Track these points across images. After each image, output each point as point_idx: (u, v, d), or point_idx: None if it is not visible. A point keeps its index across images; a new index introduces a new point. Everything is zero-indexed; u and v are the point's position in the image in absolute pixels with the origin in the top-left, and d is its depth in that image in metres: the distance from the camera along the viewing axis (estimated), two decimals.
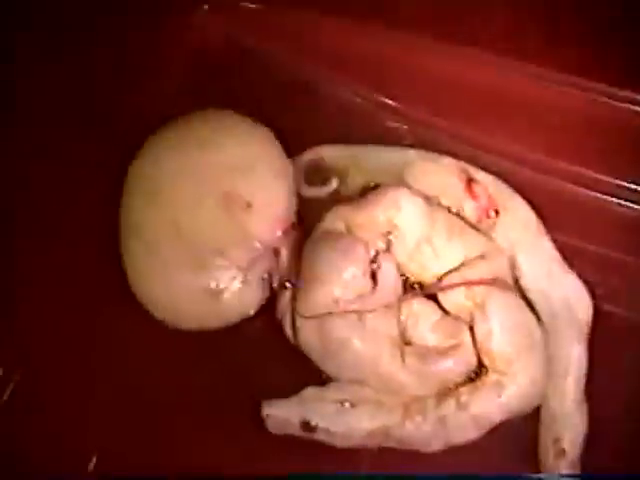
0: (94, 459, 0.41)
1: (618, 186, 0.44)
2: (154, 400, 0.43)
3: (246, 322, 0.43)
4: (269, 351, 0.42)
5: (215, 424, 0.42)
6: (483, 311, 0.39)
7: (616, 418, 0.41)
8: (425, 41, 0.47)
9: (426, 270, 0.41)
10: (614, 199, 0.44)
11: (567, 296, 0.41)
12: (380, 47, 0.47)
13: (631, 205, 0.44)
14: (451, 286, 0.40)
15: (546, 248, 0.42)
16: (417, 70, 0.47)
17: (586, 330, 0.41)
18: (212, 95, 0.47)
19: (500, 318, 0.39)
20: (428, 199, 0.42)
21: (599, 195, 0.44)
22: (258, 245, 0.43)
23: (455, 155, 0.44)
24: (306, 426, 0.39)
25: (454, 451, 0.39)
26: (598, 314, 0.41)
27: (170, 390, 0.43)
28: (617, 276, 0.43)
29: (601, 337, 0.41)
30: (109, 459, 0.42)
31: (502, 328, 0.39)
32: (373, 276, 0.41)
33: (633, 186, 0.44)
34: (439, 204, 0.42)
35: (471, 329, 0.40)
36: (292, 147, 0.45)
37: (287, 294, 0.42)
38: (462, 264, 0.41)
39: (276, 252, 0.43)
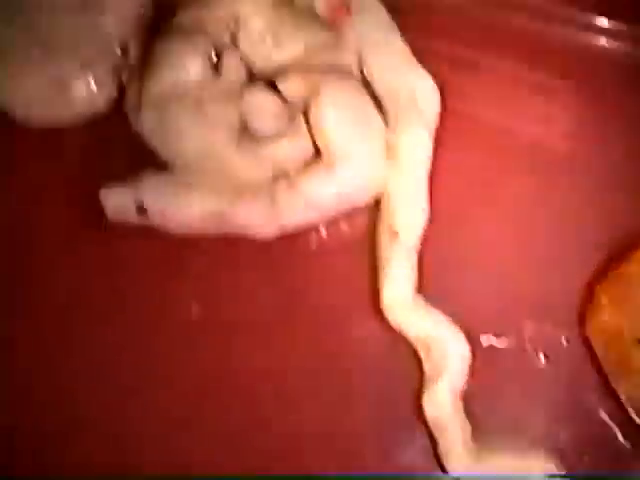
0: None
1: None
2: None
3: (98, 120, 0.43)
4: (114, 147, 0.42)
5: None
6: (317, 94, 0.39)
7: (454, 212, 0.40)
8: None
9: (270, 61, 0.41)
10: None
11: (413, 88, 0.41)
12: None
13: (485, 7, 0.44)
14: (289, 73, 0.40)
15: (396, 45, 0.42)
16: None
17: (432, 122, 0.40)
18: None
19: (333, 101, 0.38)
20: None
21: None
22: (108, 41, 0.42)
23: None
24: (141, 209, 0.39)
25: None
26: (447, 112, 0.41)
27: None
28: (469, 75, 0.43)
29: (450, 137, 0.41)
30: None
31: (335, 110, 0.38)
32: (217, 67, 0.40)
33: None
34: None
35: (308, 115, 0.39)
36: None
37: (134, 86, 0.42)
38: (305, 55, 0.40)
39: (126, 48, 0.42)
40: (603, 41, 0.43)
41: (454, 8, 0.44)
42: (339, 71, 0.40)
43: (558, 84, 0.43)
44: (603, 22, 0.43)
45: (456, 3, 0.44)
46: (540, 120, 0.42)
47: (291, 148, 0.39)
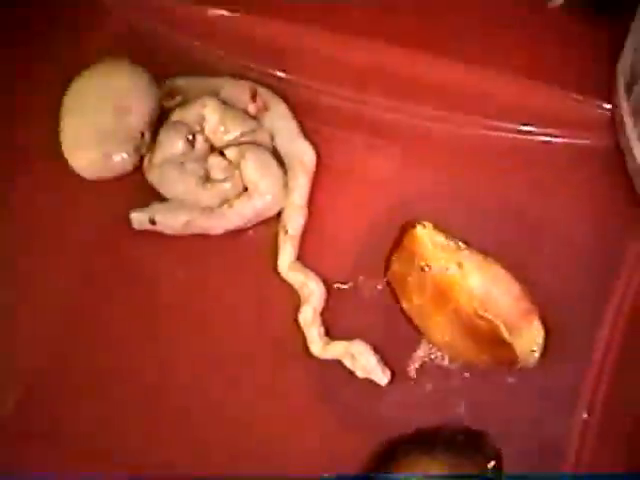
0: None
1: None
2: None
3: (131, 174, 0.76)
4: (137, 190, 0.76)
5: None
6: (244, 155, 0.72)
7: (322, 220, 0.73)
8: None
9: (222, 140, 0.74)
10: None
11: (301, 152, 0.74)
12: None
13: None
14: (230, 144, 0.73)
15: (292, 127, 0.75)
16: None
17: (310, 171, 0.73)
18: None
19: (252, 158, 0.72)
20: (225, 102, 0.75)
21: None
22: (135, 132, 0.76)
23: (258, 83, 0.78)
24: (152, 221, 0.73)
25: None
26: (320, 164, 0.74)
27: None
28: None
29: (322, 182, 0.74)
30: None
31: (254, 163, 0.71)
32: (192, 144, 0.74)
33: None
34: (233, 105, 0.76)
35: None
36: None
37: (147, 157, 0.75)
38: (241, 135, 0.74)
39: (144, 134, 0.76)
40: None
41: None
42: (259, 144, 0.73)
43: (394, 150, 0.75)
44: None
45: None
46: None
47: (231, 187, 0.72)
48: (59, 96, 0.75)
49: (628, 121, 0.68)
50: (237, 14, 0.83)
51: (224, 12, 0.83)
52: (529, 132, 0.73)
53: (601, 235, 0.69)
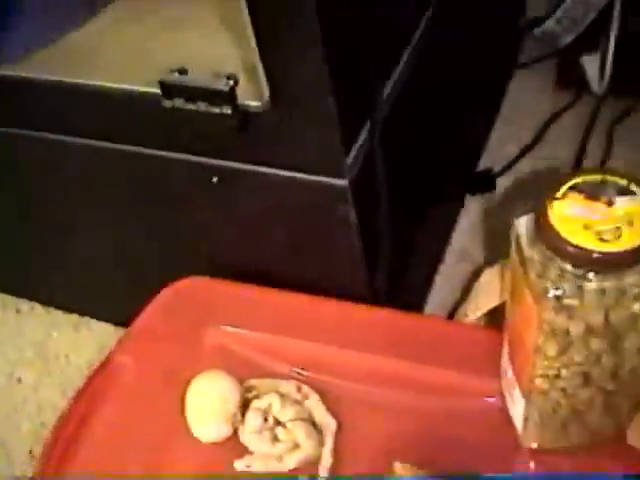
0: None
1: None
2: None
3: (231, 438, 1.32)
4: (238, 451, 1.32)
5: None
6: (296, 426, 1.29)
7: None
8: None
9: (284, 417, 1.31)
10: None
11: (328, 423, 1.30)
12: None
13: None
14: (288, 420, 1.31)
15: (323, 409, 1.33)
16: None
17: (334, 433, 1.30)
18: None
19: (301, 427, 1.26)
20: (282, 396, 1.33)
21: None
22: (232, 414, 1.33)
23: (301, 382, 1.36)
24: (247, 465, 1.28)
25: None
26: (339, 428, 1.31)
27: None
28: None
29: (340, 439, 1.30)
30: None
31: (302, 431, 1.26)
32: (266, 420, 1.32)
33: None
34: (288, 396, 1.34)
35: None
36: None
37: (241, 427, 1.33)
38: (294, 414, 1.32)
39: (236, 414, 1.33)
40: None
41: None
42: (304, 419, 1.31)
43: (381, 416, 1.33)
44: None
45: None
46: None
47: (290, 444, 1.29)
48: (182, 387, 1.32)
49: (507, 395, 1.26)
50: (289, 339, 1.42)
51: (279, 336, 1.43)
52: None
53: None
